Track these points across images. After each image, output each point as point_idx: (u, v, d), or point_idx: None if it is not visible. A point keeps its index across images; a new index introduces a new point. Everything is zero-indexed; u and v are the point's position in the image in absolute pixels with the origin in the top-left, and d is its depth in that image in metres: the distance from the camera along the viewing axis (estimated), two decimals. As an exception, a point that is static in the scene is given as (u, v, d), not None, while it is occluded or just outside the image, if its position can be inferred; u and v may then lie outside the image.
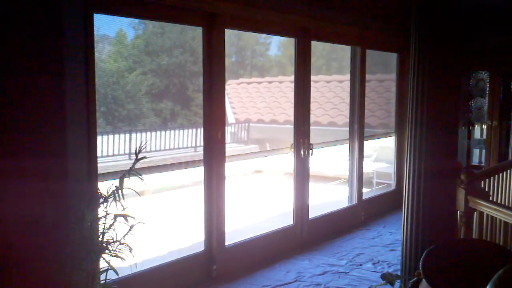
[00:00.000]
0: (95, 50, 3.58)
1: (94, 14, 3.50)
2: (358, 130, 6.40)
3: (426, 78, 3.72)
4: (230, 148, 9.52)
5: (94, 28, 3.53)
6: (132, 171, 3.09)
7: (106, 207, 3.05)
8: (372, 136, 7.17)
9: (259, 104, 11.06)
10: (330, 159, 9.09)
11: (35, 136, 2.94)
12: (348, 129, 6.48)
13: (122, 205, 3.04)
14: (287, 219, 5.54)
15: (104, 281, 3.11)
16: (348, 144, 6.49)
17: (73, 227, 2.98)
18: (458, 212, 3.97)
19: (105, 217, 3.04)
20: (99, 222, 3.05)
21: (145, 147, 3.22)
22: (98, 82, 3.67)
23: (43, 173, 2.94)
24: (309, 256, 5.23)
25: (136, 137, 6.53)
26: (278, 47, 10.92)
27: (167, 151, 7.57)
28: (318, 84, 9.77)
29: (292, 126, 5.49)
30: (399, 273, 4.19)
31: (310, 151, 5.56)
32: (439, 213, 3.80)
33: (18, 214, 2.84)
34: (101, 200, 3.05)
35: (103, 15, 3.73)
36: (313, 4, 5.33)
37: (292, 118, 5.51)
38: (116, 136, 6.39)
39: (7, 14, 2.81)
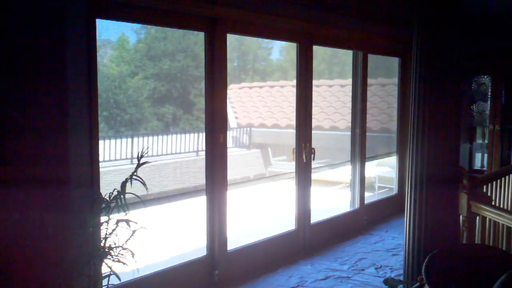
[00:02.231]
0: (97, 54, 3.58)
1: (97, 19, 3.51)
2: (360, 135, 6.40)
3: (428, 82, 3.72)
4: (232, 152, 9.53)
5: (97, 33, 3.54)
6: (134, 176, 3.10)
7: (108, 212, 3.05)
8: (374, 157, 7.20)
9: (261, 108, 11.06)
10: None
11: (37, 141, 2.95)
12: (350, 133, 6.48)
13: (124, 210, 3.04)
14: (289, 224, 5.53)
15: (106, 286, 3.11)
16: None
17: (75, 232, 2.99)
18: (461, 217, 3.96)
19: (107, 222, 3.04)
20: (101, 227, 3.06)
21: (147, 152, 3.22)
22: (100, 86, 3.67)
23: (45, 178, 2.94)
24: (312, 261, 5.22)
25: (138, 142, 6.53)
26: (280, 51, 10.93)
27: (169, 155, 7.57)
28: (320, 89, 9.78)
29: (294, 131, 5.49)
30: (401, 278, 4.18)
31: (312, 155, 5.55)
32: (441, 218, 3.79)
33: (21, 219, 2.84)
34: (103, 205, 3.05)
35: (106, 20, 3.74)
36: (315, 9, 5.33)
37: (294, 123, 5.51)
38: (118, 140, 6.40)
39: (9, 20, 2.82)
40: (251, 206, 7.94)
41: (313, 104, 5.62)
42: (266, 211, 7.75)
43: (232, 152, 9.59)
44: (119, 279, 3.11)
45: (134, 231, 3.07)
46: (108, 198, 3.05)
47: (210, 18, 4.36)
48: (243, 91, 11.22)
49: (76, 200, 3.08)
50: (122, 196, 3.02)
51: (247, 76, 11.17)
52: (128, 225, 3.04)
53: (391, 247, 5.71)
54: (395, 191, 7.46)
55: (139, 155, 3.13)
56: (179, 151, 7.84)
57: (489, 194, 4.57)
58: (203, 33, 4.42)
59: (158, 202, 4.25)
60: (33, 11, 2.90)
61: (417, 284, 3.23)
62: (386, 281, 3.66)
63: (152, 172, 4.61)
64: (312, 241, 5.62)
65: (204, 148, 4.56)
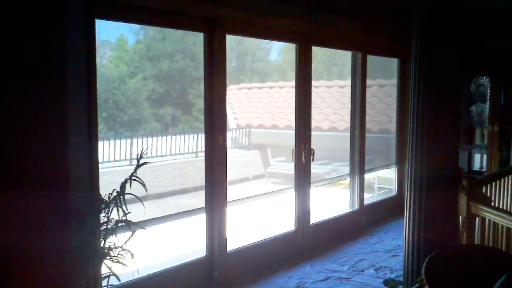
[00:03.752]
0: (97, 55, 3.57)
1: (96, 19, 3.50)
2: (359, 136, 6.40)
3: (427, 83, 3.72)
4: (231, 153, 9.53)
5: (96, 33, 3.53)
6: (133, 177, 3.09)
7: (107, 213, 3.04)
8: (373, 169, 7.29)
9: (260, 109, 11.07)
10: (331, 164, 9.09)
11: (36, 141, 2.94)
12: (349, 134, 6.48)
13: (123, 211, 3.04)
14: (288, 225, 5.53)
15: (106, 287, 3.10)
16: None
17: (75, 233, 2.98)
18: (460, 217, 3.96)
19: (106, 222, 3.03)
20: (101, 228, 3.05)
21: (146, 153, 3.22)
22: (100, 87, 3.66)
23: (44, 179, 2.93)
24: (311, 262, 5.22)
25: (137, 142, 6.54)
26: (279, 52, 10.95)
27: (168, 156, 7.57)
28: (319, 89, 9.79)
29: (293, 131, 5.49)
30: (401, 279, 4.17)
31: (311, 156, 5.55)
32: (441, 218, 3.79)
33: (20, 220, 2.84)
34: (103, 205, 3.04)
35: (105, 20, 3.73)
36: (314, 9, 5.33)
37: (293, 123, 5.51)
38: (118, 141, 6.41)
39: (9, 20, 2.81)
40: (252, 209, 7.92)
41: (312, 105, 5.61)
42: (267, 212, 7.73)
43: (231, 153, 9.59)
44: (118, 280, 3.10)
45: (133, 232, 3.06)
46: (107, 199, 3.04)
47: (209, 19, 4.36)
48: (242, 92, 11.23)
49: (75, 200, 3.08)
50: (121, 196, 3.01)
51: (246, 77, 11.18)
52: (128, 226, 3.04)
53: (390, 248, 5.71)
54: (394, 192, 7.46)
55: (139, 156, 3.13)
56: (178, 152, 7.85)
57: (488, 195, 4.57)
58: (202, 33, 4.42)
59: (159, 221, 4.30)
60: (31, 11, 2.89)
61: (417, 284, 3.23)
62: (386, 282, 3.66)
63: (152, 173, 4.60)
64: (311, 242, 5.62)
65: (203, 149, 4.55)
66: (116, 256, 3.02)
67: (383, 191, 8.04)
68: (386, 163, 7.50)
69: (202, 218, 4.57)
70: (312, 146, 5.57)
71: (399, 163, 7.33)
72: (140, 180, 3.10)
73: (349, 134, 6.48)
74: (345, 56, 6.78)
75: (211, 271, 4.56)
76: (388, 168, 7.51)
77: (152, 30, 5.33)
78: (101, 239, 3.04)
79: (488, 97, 8.10)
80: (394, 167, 7.41)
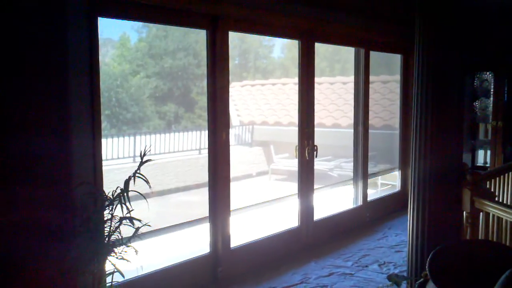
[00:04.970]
0: (99, 53, 3.58)
1: (99, 17, 3.51)
2: (363, 132, 6.39)
3: (430, 79, 3.71)
4: (235, 150, 9.53)
5: (98, 31, 3.53)
6: (137, 174, 3.10)
7: (111, 210, 3.05)
8: (377, 173, 7.38)
9: (263, 106, 11.06)
10: (334, 160, 9.08)
11: (39, 140, 2.95)
12: (352, 131, 6.48)
13: (127, 208, 3.05)
14: (292, 221, 5.53)
15: (110, 283, 3.11)
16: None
17: (79, 230, 2.99)
18: (464, 213, 3.95)
19: (110, 219, 3.04)
20: (105, 225, 3.06)
21: (150, 150, 3.22)
22: (102, 85, 3.67)
23: (48, 176, 2.94)
24: (315, 257, 5.22)
25: (141, 140, 6.55)
26: (282, 49, 10.93)
27: (172, 153, 7.58)
28: (322, 86, 9.77)
29: (296, 128, 5.48)
30: (405, 274, 4.18)
31: (315, 152, 5.55)
32: (445, 214, 3.78)
33: (24, 218, 2.85)
34: (107, 203, 3.05)
35: (107, 18, 3.74)
36: (317, 6, 5.32)
37: (295, 120, 5.50)
38: (121, 139, 6.42)
39: (11, 19, 2.82)
40: (253, 201, 7.92)
41: (315, 101, 5.61)
42: (270, 209, 7.73)
43: (235, 150, 9.60)
44: (123, 276, 3.11)
45: (137, 229, 3.07)
46: (111, 196, 3.05)
47: (212, 16, 4.35)
48: (245, 89, 11.22)
49: (79, 197, 3.09)
50: (125, 194, 3.02)
51: (249, 74, 11.18)
52: (132, 222, 3.05)
53: (394, 243, 5.71)
54: (398, 187, 7.45)
55: (142, 153, 3.13)
56: (181, 149, 7.86)
57: (492, 190, 4.56)
58: (204, 31, 4.42)
59: (162, 233, 4.42)
60: (34, 9, 2.89)
61: (421, 280, 3.22)
62: (390, 277, 3.66)
63: (155, 170, 4.61)
64: (315, 238, 5.62)
65: (206, 146, 4.56)
66: (120, 253, 3.03)
67: (387, 186, 8.03)
68: (389, 161, 7.51)
69: (206, 218, 4.58)
70: (315, 143, 5.57)
71: (402, 160, 7.32)
72: (144, 177, 3.11)
73: (352, 130, 6.48)
74: (348, 53, 6.76)
75: (215, 267, 4.57)
76: (392, 172, 7.52)
77: (154, 28, 5.34)
78: (105, 236, 3.05)
79: (491, 93, 8.08)
80: (397, 170, 7.41)
